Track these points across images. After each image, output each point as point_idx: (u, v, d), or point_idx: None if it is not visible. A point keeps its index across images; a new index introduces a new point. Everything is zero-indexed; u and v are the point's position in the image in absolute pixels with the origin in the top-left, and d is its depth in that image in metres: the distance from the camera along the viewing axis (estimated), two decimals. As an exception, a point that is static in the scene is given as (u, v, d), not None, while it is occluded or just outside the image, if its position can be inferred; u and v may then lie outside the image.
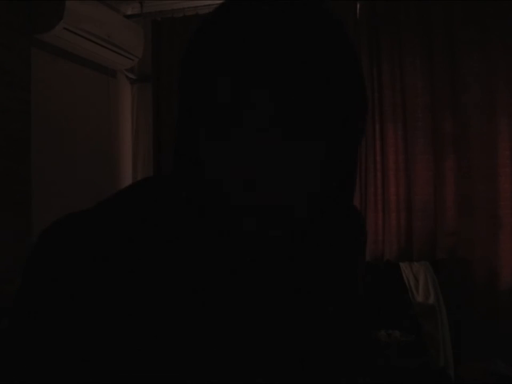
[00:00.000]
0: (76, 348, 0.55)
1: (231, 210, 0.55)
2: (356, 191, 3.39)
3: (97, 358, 0.55)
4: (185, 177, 0.59)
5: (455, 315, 3.05)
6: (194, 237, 0.59)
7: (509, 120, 3.19)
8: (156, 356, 0.57)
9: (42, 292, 0.56)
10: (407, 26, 3.32)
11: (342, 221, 0.72)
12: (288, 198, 0.55)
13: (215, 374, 0.58)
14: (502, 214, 3.17)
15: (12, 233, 2.54)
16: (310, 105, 0.52)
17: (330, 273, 0.69)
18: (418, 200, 3.29)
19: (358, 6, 3.43)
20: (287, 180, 0.54)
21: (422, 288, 3.03)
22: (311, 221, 0.60)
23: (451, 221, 3.27)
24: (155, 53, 3.70)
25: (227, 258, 0.60)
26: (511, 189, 3.16)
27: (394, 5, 3.35)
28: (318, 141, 0.55)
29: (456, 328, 3.01)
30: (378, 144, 3.38)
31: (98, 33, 3.08)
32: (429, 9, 3.29)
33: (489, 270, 3.18)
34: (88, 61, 3.31)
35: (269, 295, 0.62)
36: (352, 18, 3.43)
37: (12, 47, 2.65)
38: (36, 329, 0.55)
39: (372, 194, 3.38)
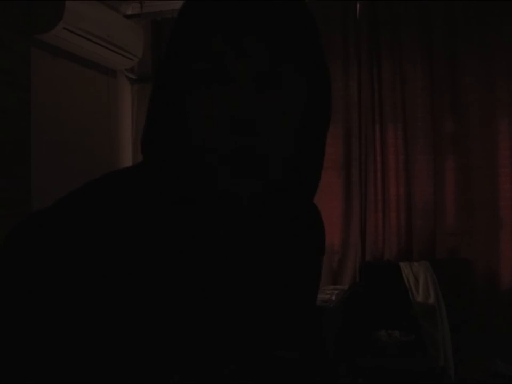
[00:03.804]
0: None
1: (209, 159, 0.59)
2: (357, 193, 3.39)
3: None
4: (169, 144, 0.63)
5: (455, 315, 3.05)
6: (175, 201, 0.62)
7: (509, 120, 3.19)
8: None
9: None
10: (407, 26, 3.32)
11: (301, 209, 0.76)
12: (267, 147, 0.59)
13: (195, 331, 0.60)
14: (502, 214, 3.17)
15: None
16: (296, 56, 0.59)
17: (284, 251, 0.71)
18: (418, 200, 3.29)
19: (358, 6, 3.43)
20: (272, 127, 0.59)
21: (422, 288, 3.03)
22: (281, 185, 0.64)
23: (451, 221, 3.27)
24: (155, 53, 3.70)
25: (203, 221, 0.62)
26: (511, 189, 3.17)
27: (394, 4, 3.35)
28: (300, 93, 0.61)
29: (456, 328, 3.01)
30: (378, 144, 3.38)
31: (98, 33, 3.08)
32: (429, 9, 3.29)
33: (489, 270, 3.18)
34: (88, 61, 3.31)
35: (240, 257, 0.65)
36: (352, 18, 3.43)
37: (12, 47, 2.65)
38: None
39: (372, 194, 3.38)
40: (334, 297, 2.93)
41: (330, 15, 3.43)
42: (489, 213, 3.18)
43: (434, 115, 3.29)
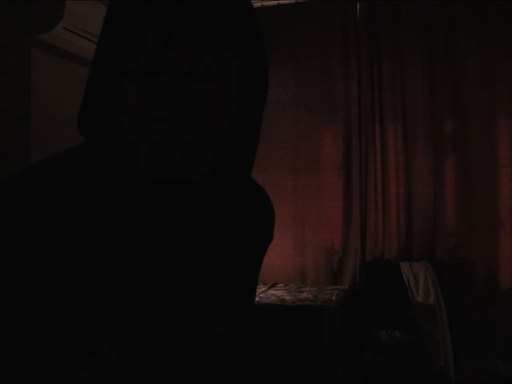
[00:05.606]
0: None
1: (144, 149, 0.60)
2: (357, 193, 3.38)
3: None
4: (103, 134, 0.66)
5: (455, 315, 3.05)
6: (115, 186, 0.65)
7: (509, 120, 3.19)
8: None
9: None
10: (407, 26, 3.33)
11: (243, 190, 0.76)
12: (198, 136, 0.60)
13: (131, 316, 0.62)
14: (502, 214, 3.17)
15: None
16: (224, 47, 0.60)
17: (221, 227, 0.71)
18: (418, 200, 3.30)
19: (358, 6, 3.43)
20: (200, 119, 0.60)
21: (422, 288, 3.03)
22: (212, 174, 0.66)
23: (451, 221, 3.28)
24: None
25: (139, 206, 0.64)
26: (511, 189, 3.17)
27: (394, 5, 3.35)
28: (231, 85, 0.62)
29: (456, 328, 3.01)
30: (378, 144, 3.38)
31: (98, 33, 3.08)
32: (429, 9, 3.29)
33: (489, 270, 3.18)
34: (88, 61, 3.31)
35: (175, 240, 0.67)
36: (352, 18, 3.43)
37: (12, 47, 2.65)
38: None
39: (372, 194, 3.38)
40: (334, 297, 2.93)
41: (330, 15, 3.44)
42: (489, 213, 3.18)
43: (434, 115, 3.29)
